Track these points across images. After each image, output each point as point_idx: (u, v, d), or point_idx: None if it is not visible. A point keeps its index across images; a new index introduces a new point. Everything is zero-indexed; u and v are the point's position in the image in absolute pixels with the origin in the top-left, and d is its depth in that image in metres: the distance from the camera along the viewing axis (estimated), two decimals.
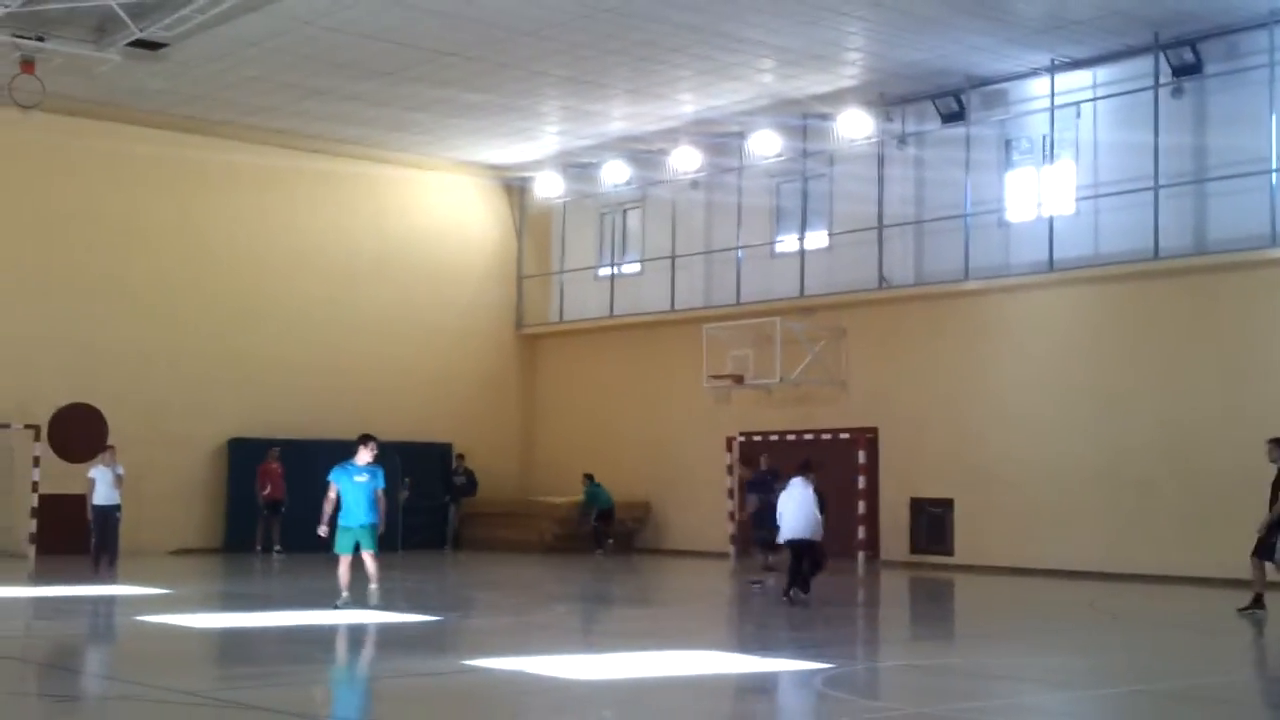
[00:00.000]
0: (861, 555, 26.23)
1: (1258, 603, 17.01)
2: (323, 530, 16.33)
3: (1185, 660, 13.80)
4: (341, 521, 16.17)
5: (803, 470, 18.69)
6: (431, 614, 16.74)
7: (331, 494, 16.20)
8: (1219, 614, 17.66)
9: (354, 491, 16.17)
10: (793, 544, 18.42)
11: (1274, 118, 22.01)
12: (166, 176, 28.50)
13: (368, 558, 16.14)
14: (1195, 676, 12.35)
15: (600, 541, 28.81)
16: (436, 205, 32.30)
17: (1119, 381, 23.56)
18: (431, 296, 31.79)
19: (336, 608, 16.03)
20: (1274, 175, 22.02)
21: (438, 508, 30.54)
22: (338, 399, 29.64)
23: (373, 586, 16.16)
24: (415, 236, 31.75)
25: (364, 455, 16.34)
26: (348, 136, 29.60)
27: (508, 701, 10.45)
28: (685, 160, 29.66)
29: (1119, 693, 11.56)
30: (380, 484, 16.38)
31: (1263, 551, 16.94)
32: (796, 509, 18.28)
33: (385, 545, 28.38)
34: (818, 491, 18.54)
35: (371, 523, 16.18)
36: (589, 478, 29.55)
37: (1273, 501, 16.88)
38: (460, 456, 31.07)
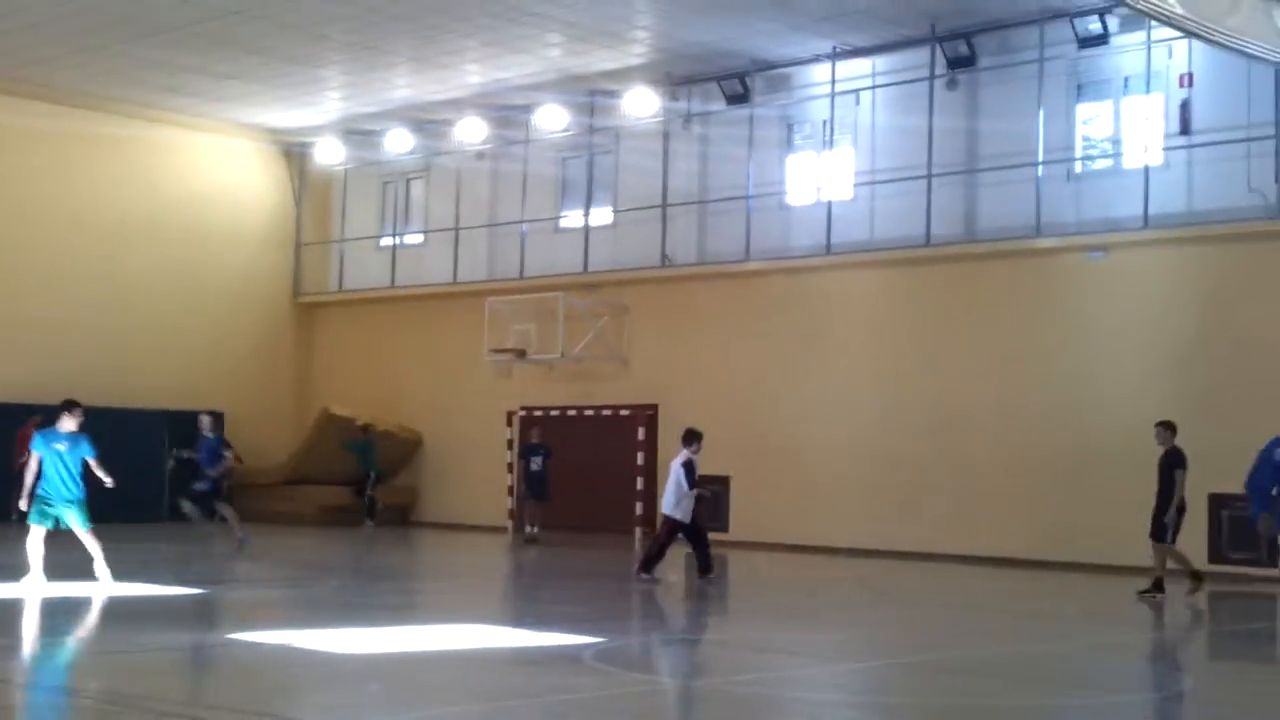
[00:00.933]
0: (639, 531, 26.45)
1: (1158, 587, 17.06)
2: (23, 503, 14.97)
3: (948, 635, 14.25)
4: (40, 492, 14.97)
5: (684, 441, 18.35)
6: (195, 586, 16.25)
7: (33, 464, 14.95)
8: (982, 591, 18.30)
9: (54, 461, 14.99)
10: (665, 519, 18.17)
11: (1041, 113, 22.85)
12: None
13: (83, 535, 15.10)
14: (955, 650, 12.75)
15: (371, 513, 28.39)
16: (213, 168, 31.34)
17: (893, 364, 24.20)
18: (206, 261, 30.86)
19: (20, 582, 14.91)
20: (1040, 168, 22.89)
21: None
22: (107, 363, 28.59)
23: (98, 563, 15.17)
24: (190, 199, 30.76)
25: (67, 423, 15.11)
26: (122, 95, 28.48)
27: (274, 675, 10.20)
28: (471, 131, 29.37)
29: (883, 665, 11.87)
30: (88, 453, 15.20)
31: (1158, 533, 17.11)
32: (668, 483, 18.06)
33: (150, 515, 27.94)
34: (686, 465, 17.94)
35: (78, 497, 15.10)
36: (366, 429, 29.03)
37: (1162, 484, 17.08)
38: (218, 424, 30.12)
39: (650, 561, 17.98)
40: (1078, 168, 23.26)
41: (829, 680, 10.92)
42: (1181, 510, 17.05)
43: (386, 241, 32.20)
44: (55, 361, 28.04)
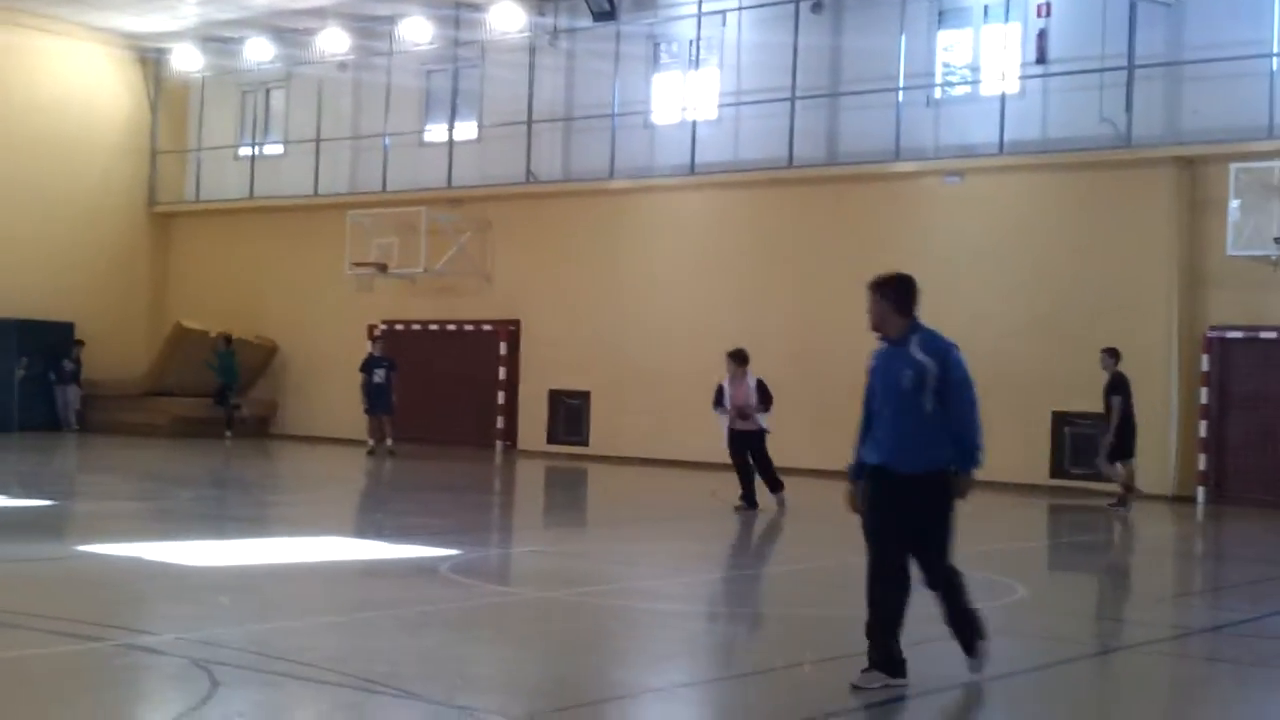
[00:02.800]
0: (500, 445, 26.56)
1: (1123, 502, 17.93)
2: None
3: (795, 547, 14.58)
4: None
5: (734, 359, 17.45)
6: (44, 498, 15.98)
7: None
8: (831, 505, 18.66)
9: None
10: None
11: (903, 38, 23.11)
12: None
13: None
14: (797, 561, 13.07)
15: (229, 424, 27.99)
16: (65, 73, 30.31)
17: (753, 284, 24.43)
18: (58, 169, 29.92)
19: None
20: (901, 93, 23.18)
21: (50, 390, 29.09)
22: None
23: None
24: (39, 105, 29.72)
25: None
26: None
27: (122, 587, 10.11)
28: (333, 42, 28.80)
29: (728, 575, 12.13)
30: None
31: (1115, 455, 17.94)
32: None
33: (2, 423, 27.31)
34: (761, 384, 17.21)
35: None
36: (227, 340, 28.58)
37: (1107, 409, 17.90)
38: (79, 343, 29.50)
39: (751, 487, 17.04)
40: (937, 93, 23.60)
41: (680, 591, 11.14)
42: (1131, 431, 17.88)
43: (245, 151, 31.53)
44: None
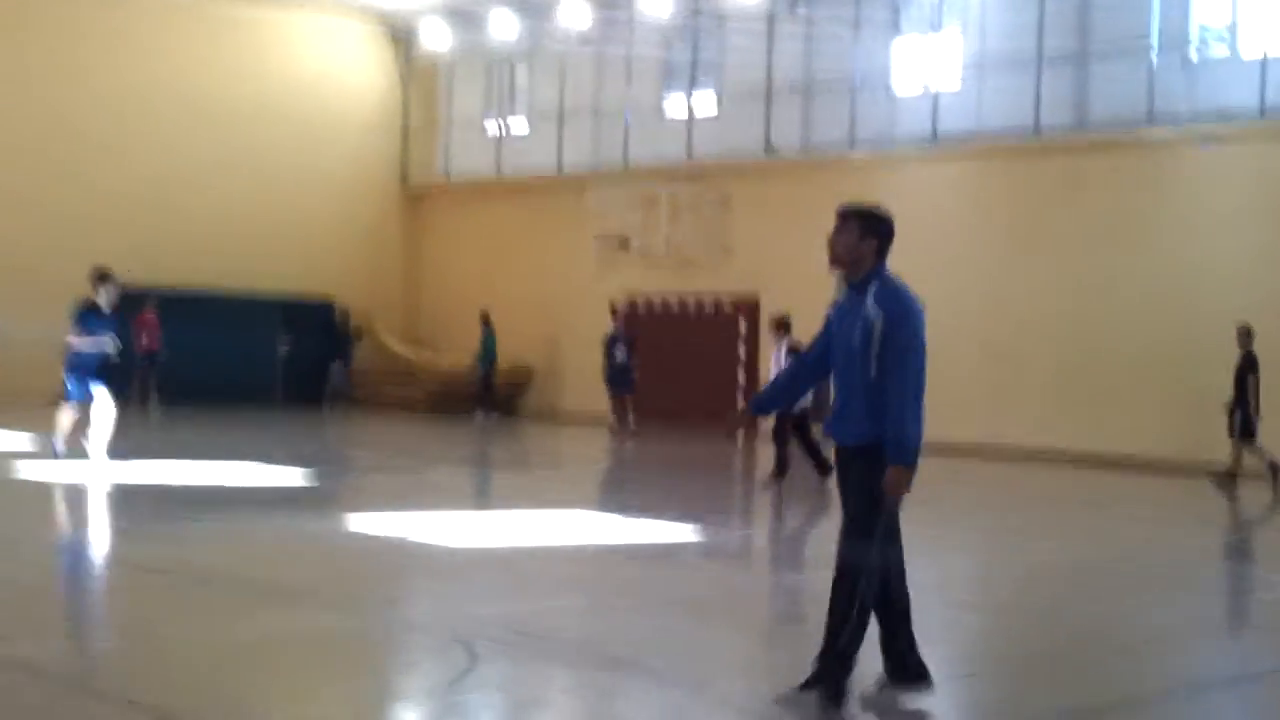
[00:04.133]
0: None
1: (1229, 479, 18.00)
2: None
3: (1042, 533, 14.28)
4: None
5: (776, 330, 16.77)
6: (308, 472, 16.74)
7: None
8: (1078, 489, 18.24)
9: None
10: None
11: None
12: (45, 19, 27.47)
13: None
14: (1051, 552, 12.79)
15: (485, 404, 28.32)
16: (320, 51, 31.50)
17: (998, 256, 23.92)
18: (315, 146, 31.16)
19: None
20: (1154, 55, 22.36)
21: (318, 364, 30.32)
22: (218, 249, 29.18)
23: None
24: (298, 83, 30.98)
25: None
26: None
27: (386, 561, 10.57)
28: (574, 14, 29.19)
29: (988, 561, 11.97)
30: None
31: (1242, 433, 18.05)
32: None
33: (263, 400, 28.67)
34: (792, 350, 16.24)
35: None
36: (485, 319, 28.72)
37: (1239, 386, 17.93)
38: (346, 313, 30.77)
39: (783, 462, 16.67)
40: (1193, 55, 22.67)
41: (928, 579, 11.05)
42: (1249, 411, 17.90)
43: (492, 128, 32.22)
44: (168, 247, 28.66)
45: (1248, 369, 17.89)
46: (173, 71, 29.25)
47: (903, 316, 6.36)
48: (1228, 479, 18.01)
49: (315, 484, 15.91)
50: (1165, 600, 10.06)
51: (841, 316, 6.53)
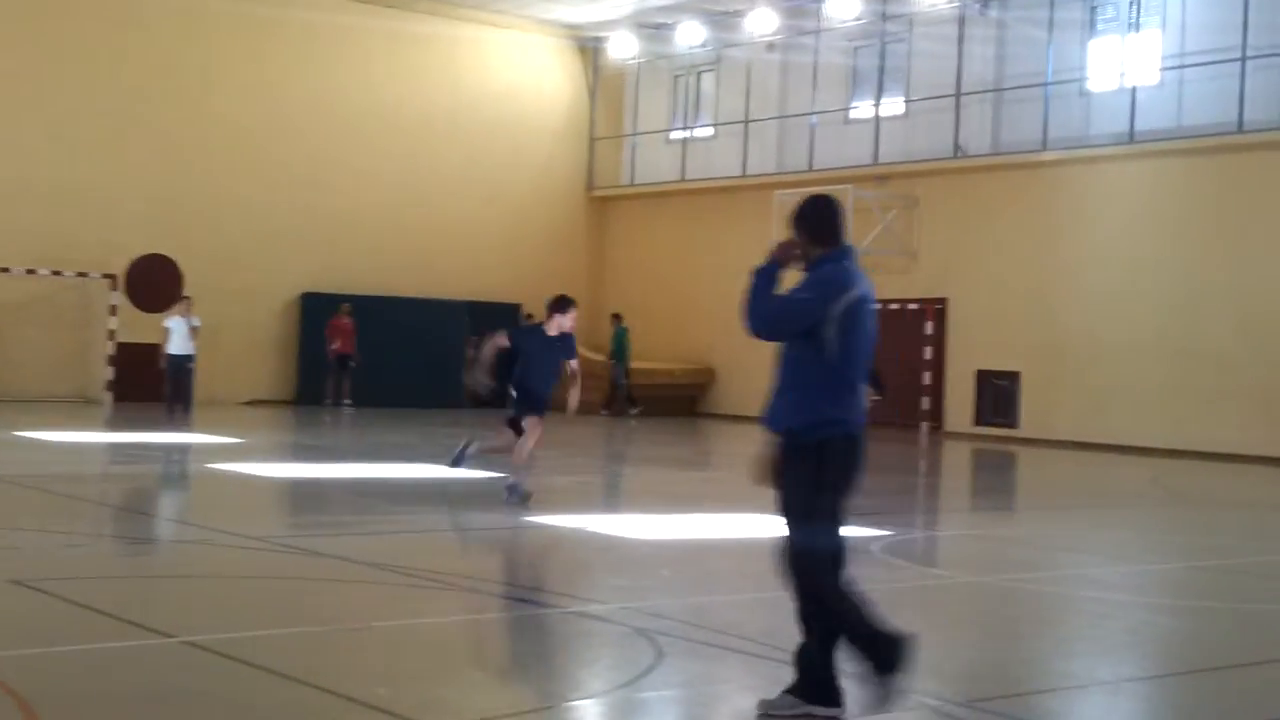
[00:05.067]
0: (925, 426, 26.27)
1: None
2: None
3: (1245, 538, 13.75)
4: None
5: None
6: (491, 471, 16.96)
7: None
8: None
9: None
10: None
11: None
12: (244, 30, 28.47)
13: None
14: (1251, 554, 12.32)
15: (631, 401, 28.78)
16: (510, 64, 32.05)
17: (1197, 257, 23.18)
18: (503, 156, 31.70)
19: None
20: None
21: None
22: (409, 256, 29.87)
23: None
24: (489, 95, 31.56)
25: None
26: None
27: (570, 556, 10.64)
28: (761, 22, 29.17)
29: (1176, 567, 11.58)
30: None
31: None
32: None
33: (450, 401, 29.21)
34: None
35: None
36: (617, 318, 29.54)
37: None
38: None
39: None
40: None
41: (1120, 580, 10.72)
42: None
43: (677, 135, 32.39)
44: (363, 255, 29.43)
45: None
46: (367, 85, 29.99)
47: (806, 287, 6.07)
48: None
49: (495, 482, 16.10)
50: None
51: None
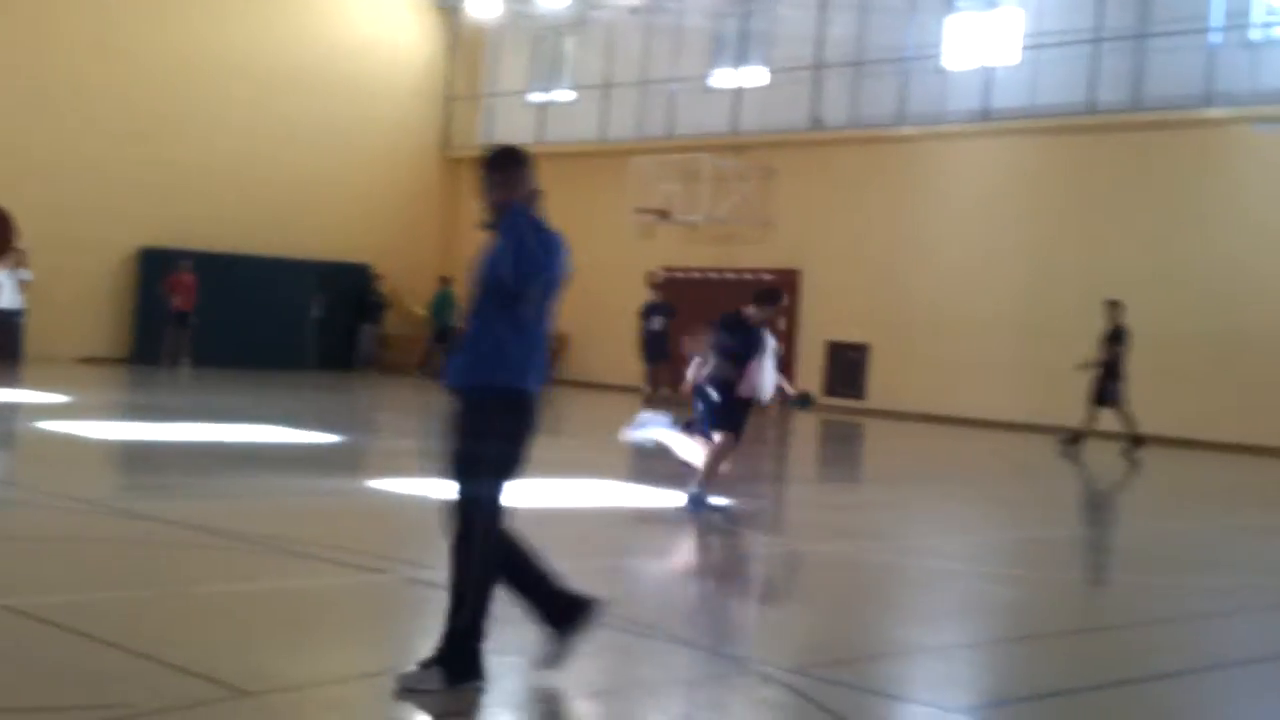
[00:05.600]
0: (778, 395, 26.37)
1: (1075, 440, 19.00)
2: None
3: (1077, 510, 13.97)
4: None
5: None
6: (336, 434, 16.57)
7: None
8: (1122, 468, 17.89)
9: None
10: None
11: None
12: None
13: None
14: (1083, 526, 12.49)
15: (428, 362, 28.55)
16: (366, 18, 31.33)
17: (1048, 235, 23.52)
18: (356, 112, 31.01)
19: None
20: (1215, 35, 21.85)
21: (349, 328, 30.27)
22: (255, 213, 29.07)
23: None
24: (342, 50, 30.80)
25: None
26: None
27: (409, 521, 10.35)
28: None
29: (1009, 538, 11.68)
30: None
31: (1101, 398, 18.89)
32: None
33: (297, 363, 28.61)
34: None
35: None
36: (445, 281, 29.23)
37: (1109, 356, 18.87)
38: (378, 277, 30.68)
39: None
40: (1255, 34, 22.13)
41: (956, 549, 10.76)
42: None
43: (537, 97, 32.01)
44: (207, 209, 28.59)
45: (1115, 340, 18.79)
46: (221, 39, 29.07)
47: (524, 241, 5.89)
48: (1074, 441, 18.98)
49: (341, 447, 15.72)
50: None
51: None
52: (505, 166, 6.03)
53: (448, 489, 5.80)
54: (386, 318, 30.76)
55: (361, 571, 8.33)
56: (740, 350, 11.16)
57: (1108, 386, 18.81)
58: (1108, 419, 19.02)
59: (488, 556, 5.80)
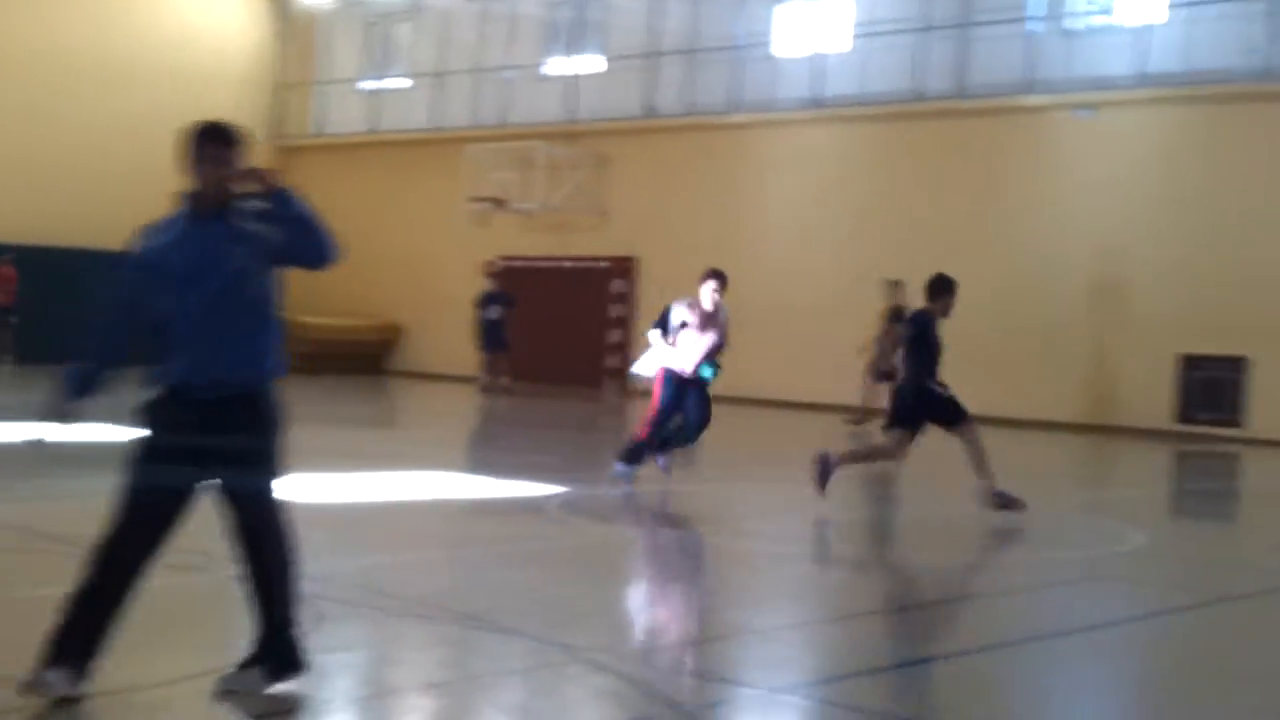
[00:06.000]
0: (614, 383, 26.50)
1: (860, 420, 19.94)
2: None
3: (898, 492, 14.29)
4: None
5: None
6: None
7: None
8: (935, 452, 18.31)
9: None
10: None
11: None
12: None
13: None
14: (895, 509, 12.77)
15: None
16: (191, 5, 30.64)
17: (879, 220, 23.98)
18: (184, 103, 29.99)
19: None
20: (1034, 24, 22.50)
21: None
22: (79, 205, 28.24)
23: None
24: (167, 39, 30.08)
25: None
26: None
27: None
28: None
29: (840, 519, 11.89)
30: None
31: (878, 375, 19.62)
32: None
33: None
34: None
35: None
36: None
37: (889, 335, 19.29)
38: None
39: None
40: (1072, 23, 22.85)
41: (784, 533, 10.94)
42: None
43: (369, 85, 31.62)
44: (32, 201, 27.72)
45: (896, 318, 19.19)
46: (46, 31, 28.23)
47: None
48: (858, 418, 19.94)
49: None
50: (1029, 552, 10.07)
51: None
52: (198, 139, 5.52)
53: (236, 486, 5.65)
54: None
55: (184, 571, 8.16)
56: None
57: (884, 364, 19.38)
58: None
59: (287, 545, 5.73)
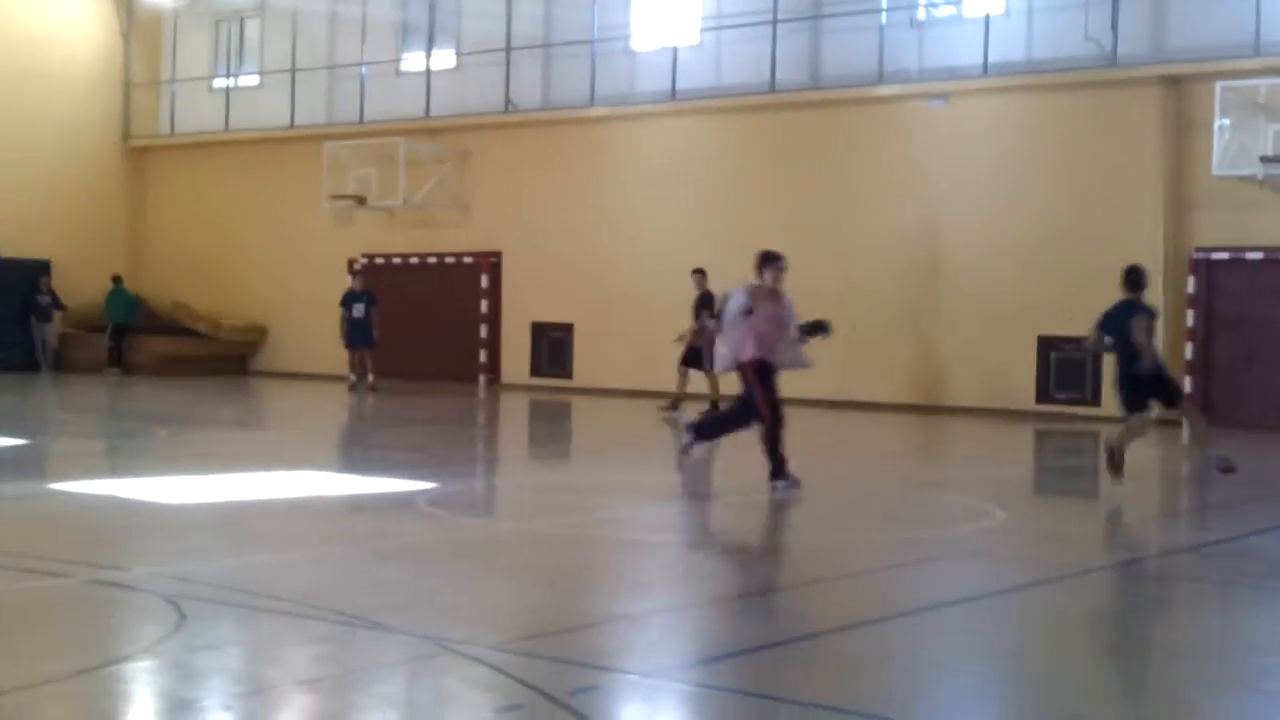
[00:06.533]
0: (483, 379, 26.41)
1: (674, 406, 20.00)
2: None
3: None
4: None
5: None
6: (16, 437, 15.80)
7: None
8: (804, 435, 18.60)
9: None
10: None
11: None
12: None
13: None
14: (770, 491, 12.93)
15: (113, 360, 28.33)
16: (31, 6, 29.79)
17: (736, 211, 24.17)
18: (29, 106, 29.45)
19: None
20: (883, 15, 22.87)
21: (23, 328, 28.86)
22: None
23: None
24: (9, 40, 29.21)
25: None
26: None
27: (96, 523, 9.97)
28: None
29: (712, 505, 12.02)
30: None
31: (691, 361, 19.98)
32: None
33: None
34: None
35: None
36: (117, 279, 29.03)
37: (697, 319, 19.94)
38: (45, 277, 29.24)
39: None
40: (921, 14, 23.28)
41: (658, 520, 11.03)
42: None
43: (220, 83, 31.08)
44: None
45: (704, 306, 19.70)
46: None
47: None
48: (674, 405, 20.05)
49: (21, 448, 14.99)
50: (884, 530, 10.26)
51: None
52: None
53: None
54: (59, 316, 29.35)
55: (44, 576, 8.00)
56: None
57: (697, 351, 19.62)
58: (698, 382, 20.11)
59: None
